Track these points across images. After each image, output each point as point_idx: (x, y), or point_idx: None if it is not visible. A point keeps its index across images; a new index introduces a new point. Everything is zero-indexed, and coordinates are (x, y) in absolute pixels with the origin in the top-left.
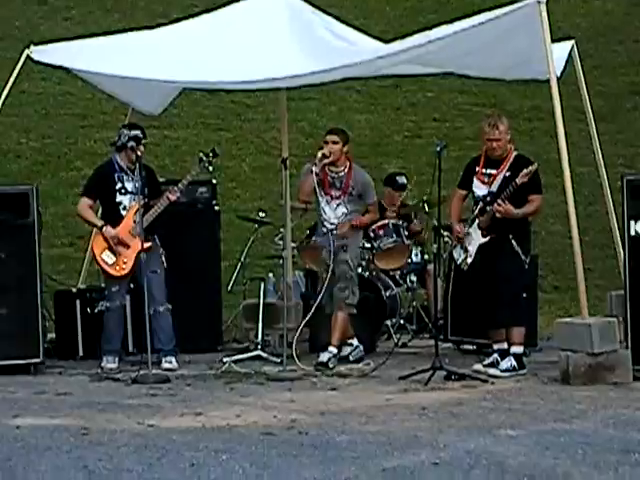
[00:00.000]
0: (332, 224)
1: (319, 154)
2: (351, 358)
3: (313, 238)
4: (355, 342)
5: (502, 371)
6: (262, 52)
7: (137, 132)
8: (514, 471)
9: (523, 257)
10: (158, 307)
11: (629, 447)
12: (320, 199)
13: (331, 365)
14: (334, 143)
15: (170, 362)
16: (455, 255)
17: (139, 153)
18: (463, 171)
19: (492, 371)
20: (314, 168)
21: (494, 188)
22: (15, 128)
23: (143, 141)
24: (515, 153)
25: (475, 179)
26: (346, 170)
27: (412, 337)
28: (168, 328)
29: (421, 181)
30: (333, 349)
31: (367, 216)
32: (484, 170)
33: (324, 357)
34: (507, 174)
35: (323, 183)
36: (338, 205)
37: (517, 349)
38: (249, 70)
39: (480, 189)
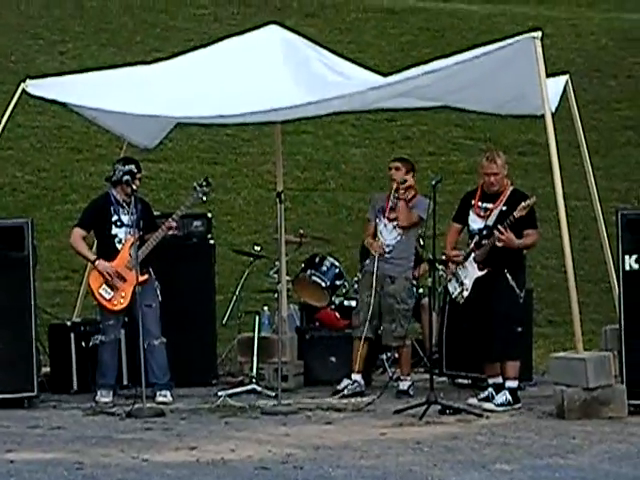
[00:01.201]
0: (387, 246)
1: (397, 179)
2: (346, 392)
3: (310, 271)
4: (358, 378)
5: (497, 405)
6: (257, 87)
7: (131, 167)
8: None
9: (518, 291)
10: (153, 341)
11: None
12: (379, 222)
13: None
14: (397, 169)
15: (165, 396)
16: (450, 289)
17: (134, 187)
18: (459, 205)
19: (487, 405)
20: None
21: (490, 222)
22: (11, 161)
23: (138, 175)
24: (511, 188)
25: (471, 213)
26: (409, 197)
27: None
28: (163, 362)
29: None
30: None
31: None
32: (480, 204)
33: (404, 385)
34: (503, 208)
35: (385, 208)
36: (394, 227)
37: (512, 383)
38: (244, 104)
39: (476, 223)
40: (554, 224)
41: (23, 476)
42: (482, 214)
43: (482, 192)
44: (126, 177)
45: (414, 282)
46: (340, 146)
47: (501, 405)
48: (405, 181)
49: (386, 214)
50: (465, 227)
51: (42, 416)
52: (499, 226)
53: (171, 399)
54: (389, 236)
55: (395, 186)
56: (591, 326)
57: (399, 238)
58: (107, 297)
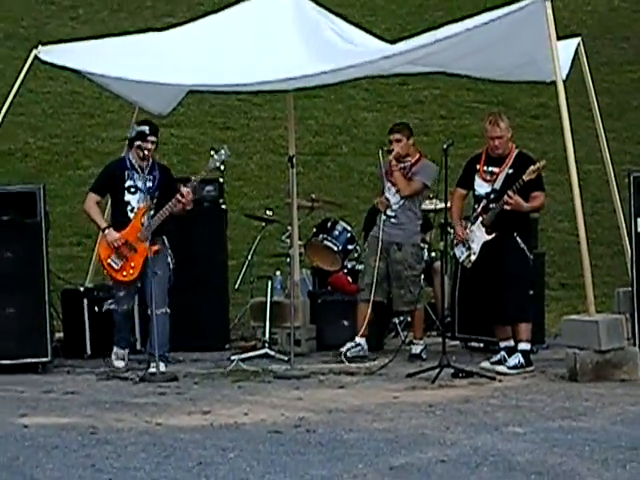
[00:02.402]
0: (392, 210)
1: (391, 157)
2: (348, 354)
3: (322, 235)
4: (362, 341)
5: (510, 368)
6: (269, 54)
7: (144, 128)
8: (521, 468)
9: (528, 254)
10: (155, 310)
11: (637, 444)
12: (385, 185)
13: (424, 356)
14: (397, 141)
15: (157, 367)
16: (457, 253)
17: (146, 151)
18: (463, 169)
19: (500, 368)
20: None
21: (497, 186)
22: (22, 127)
23: (150, 138)
24: (517, 151)
25: (477, 177)
26: (413, 161)
27: None
28: (163, 333)
29: None
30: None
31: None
32: (485, 168)
33: (416, 349)
34: (510, 171)
35: (390, 172)
36: (397, 191)
37: (525, 346)
38: (256, 73)
39: (482, 187)
40: (566, 187)
41: (37, 440)
42: (488, 178)
43: (487, 156)
44: (137, 141)
45: (422, 245)
46: (352, 110)
47: (514, 368)
48: (405, 156)
49: (388, 176)
50: (470, 192)
51: (56, 381)
52: (508, 191)
53: (164, 370)
54: (393, 199)
55: (392, 160)
56: (603, 289)
57: (402, 202)
58: (116, 267)
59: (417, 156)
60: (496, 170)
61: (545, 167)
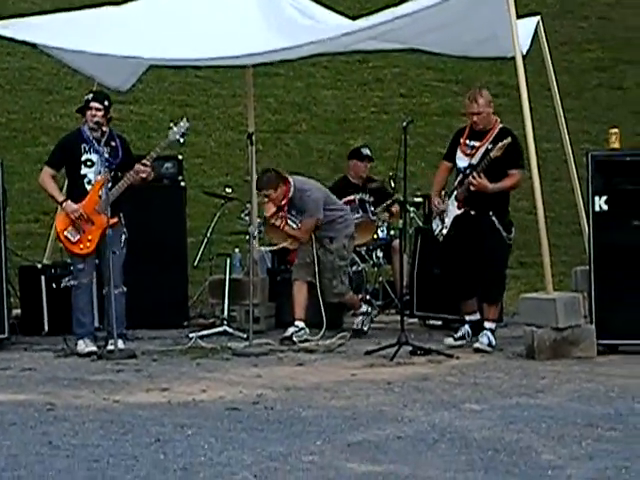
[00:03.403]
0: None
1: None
2: (295, 339)
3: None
4: (301, 324)
5: (486, 345)
6: (230, 29)
7: (88, 96)
8: (478, 445)
9: (505, 234)
10: (112, 289)
11: (592, 421)
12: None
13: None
14: (269, 197)
15: (116, 345)
16: (433, 226)
17: (94, 119)
18: (449, 143)
19: (478, 345)
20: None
21: (475, 160)
22: None
23: (92, 104)
24: (500, 126)
25: (458, 150)
26: (285, 202)
27: (378, 313)
28: (120, 311)
29: (387, 157)
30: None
31: None
32: (468, 142)
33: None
34: (489, 147)
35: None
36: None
37: (492, 325)
38: (216, 47)
39: (462, 160)
40: (525, 166)
41: None
42: (468, 152)
43: (470, 130)
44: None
45: (381, 224)
46: (312, 88)
47: (489, 345)
48: (278, 208)
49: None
50: (454, 166)
51: (13, 358)
52: (473, 172)
53: (123, 347)
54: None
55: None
56: (561, 268)
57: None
58: (73, 240)
59: (284, 199)
60: (477, 144)
61: (513, 144)
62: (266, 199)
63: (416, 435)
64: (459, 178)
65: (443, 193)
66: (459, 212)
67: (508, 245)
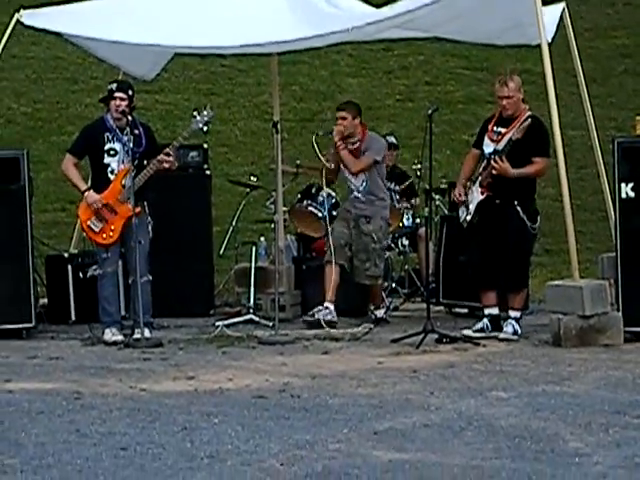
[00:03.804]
0: (358, 192)
1: (335, 136)
2: (317, 316)
3: (306, 202)
4: (329, 305)
5: (511, 334)
6: (254, 17)
7: (112, 86)
8: (505, 433)
9: (529, 224)
10: (138, 278)
11: (620, 408)
12: (342, 168)
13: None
14: (343, 119)
15: (142, 333)
16: (460, 212)
17: (119, 109)
18: (478, 130)
19: (504, 335)
20: (324, 160)
21: (500, 146)
22: (6, 93)
23: (117, 94)
24: (528, 113)
25: (486, 137)
26: (360, 139)
27: (404, 301)
28: (146, 300)
29: (413, 145)
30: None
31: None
32: (495, 128)
33: (380, 313)
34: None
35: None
36: (357, 174)
37: (517, 314)
38: (241, 35)
39: (488, 147)
40: (551, 154)
41: (22, 406)
42: (495, 138)
43: (499, 116)
44: (108, 100)
45: (407, 212)
46: (336, 76)
47: (514, 334)
48: (349, 136)
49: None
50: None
51: (40, 347)
52: (495, 156)
53: (149, 336)
54: (356, 182)
55: (335, 139)
56: (587, 255)
57: (365, 183)
58: (95, 230)
59: (362, 134)
60: (503, 131)
61: (545, 131)
62: (339, 120)
63: (443, 423)
64: (484, 164)
65: (469, 183)
66: (482, 197)
67: (533, 235)
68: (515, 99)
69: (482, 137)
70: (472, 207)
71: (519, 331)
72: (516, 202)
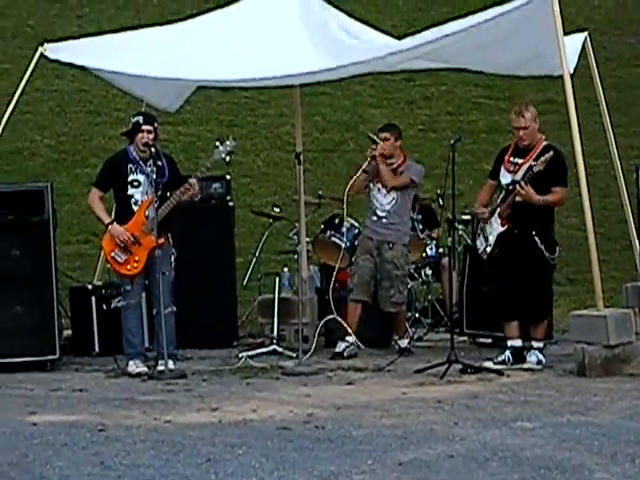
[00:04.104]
0: (382, 211)
1: (374, 153)
2: (345, 354)
3: (329, 232)
4: (351, 339)
5: (536, 364)
6: (276, 49)
7: (138, 118)
8: (530, 463)
9: (547, 254)
10: (162, 309)
11: None
12: (372, 186)
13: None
14: (385, 140)
15: (167, 365)
16: (478, 244)
17: (143, 141)
18: (494, 161)
19: (528, 365)
20: (364, 166)
21: (518, 177)
22: (29, 126)
23: (144, 127)
24: (545, 143)
25: (502, 168)
26: (399, 162)
27: (427, 331)
28: (170, 331)
29: (435, 174)
30: (403, 341)
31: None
32: (511, 159)
33: (403, 343)
34: (533, 163)
35: (377, 173)
36: (388, 192)
37: (540, 344)
38: (263, 67)
39: (505, 177)
40: (574, 182)
41: (46, 438)
42: (512, 169)
43: (515, 147)
44: (133, 133)
45: (429, 242)
46: (359, 107)
47: (538, 364)
48: (390, 157)
49: (377, 179)
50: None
51: (64, 379)
52: (520, 181)
53: (173, 367)
54: (384, 201)
55: (377, 155)
56: (611, 284)
57: (393, 202)
58: (120, 261)
59: (402, 158)
60: (520, 161)
61: (559, 158)
62: (382, 142)
63: (467, 454)
64: (502, 195)
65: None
66: (502, 229)
67: (552, 265)
68: (531, 129)
69: (498, 168)
70: (492, 239)
71: (543, 361)
72: (534, 232)
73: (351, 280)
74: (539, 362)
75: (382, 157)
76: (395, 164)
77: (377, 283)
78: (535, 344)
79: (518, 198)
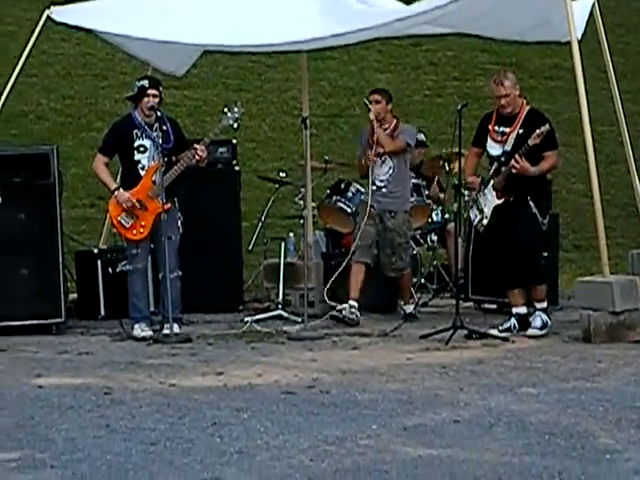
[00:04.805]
0: (381, 181)
1: (371, 116)
2: (345, 314)
3: (335, 197)
4: (354, 303)
5: (538, 329)
6: (283, 15)
7: (144, 82)
8: (535, 429)
9: (541, 219)
10: (168, 274)
11: None
12: (371, 152)
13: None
14: (377, 102)
15: (172, 329)
16: (471, 216)
17: (149, 105)
18: (477, 128)
19: (531, 332)
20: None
21: (508, 147)
22: (35, 89)
23: (150, 91)
24: (527, 108)
25: (488, 138)
26: (392, 127)
27: (433, 296)
28: (175, 295)
29: (442, 140)
30: (408, 307)
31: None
32: (497, 128)
33: (408, 309)
34: (520, 131)
35: (371, 140)
36: (384, 162)
37: (543, 304)
38: (270, 33)
39: (494, 148)
40: (580, 149)
41: (52, 401)
42: (499, 139)
43: (498, 115)
44: (138, 97)
45: (435, 207)
46: (365, 72)
47: (542, 327)
48: (382, 121)
49: (373, 149)
50: (484, 151)
51: (70, 342)
52: (515, 155)
53: (178, 331)
54: (380, 171)
55: (372, 119)
56: (618, 250)
57: (391, 172)
58: (126, 226)
59: (394, 122)
60: (507, 130)
61: (549, 131)
62: (373, 103)
63: (472, 419)
64: (494, 167)
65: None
66: (499, 202)
67: (544, 230)
68: (512, 96)
69: (482, 136)
70: (488, 211)
71: (548, 322)
72: (529, 197)
73: (354, 242)
74: (544, 325)
75: (378, 122)
76: (389, 129)
77: (380, 249)
78: (538, 305)
79: (514, 171)
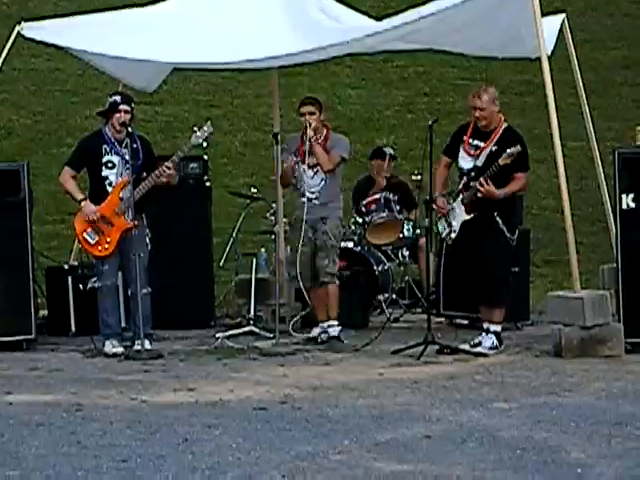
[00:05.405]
0: (312, 192)
1: (309, 130)
2: (322, 338)
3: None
4: (324, 325)
5: (488, 349)
6: (254, 31)
7: (115, 98)
8: (507, 444)
9: (509, 235)
10: (138, 291)
11: (621, 419)
12: (297, 167)
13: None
14: (311, 114)
15: (143, 345)
16: (440, 228)
17: (120, 122)
18: (450, 137)
19: (479, 349)
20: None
21: (479, 162)
22: (6, 105)
23: (122, 107)
24: (505, 125)
25: (461, 149)
26: (323, 136)
27: (404, 312)
28: (146, 312)
29: (412, 156)
30: (334, 329)
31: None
32: (471, 140)
33: (334, 331)
34: (494, 148)
35: (300, 154)
36: (315, 173)
37: (497, 328)
38: (241, 51)
39: (466, 161)
40: (551, 164)
41: (22, 418)
42: (472, 152)
43: (474, 128)
44: (110, 112)
45: (407, 223)
46: (336, 87)
47: (491, 349)
48: (317, 128)
49: (305, 161)
50: (454, 162)
51: (41, 358)
52: (481, 178)
53: (149, 347)
54: (312, 182)
55: (309, 132)
56: (588, 266)
57: (323, 183)
58: (91, 242)
59: (325, 132)
60: (481, 145)
61: (520, 152)
62: (307, 116)
63: (444, 434)
64: (464, 181)
65: (446, 193)
66: (467, 217)
67: (511, 246)
68: (489, 111)
69: (455, 146)
70: (456, 225)
71: (499, 347)
72: (496, 213)
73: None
74: (493, 347)
75: (315, 137)
76: (321, 139)
77: (314, 254)
78: (492, 327)
79: (479, 194)
